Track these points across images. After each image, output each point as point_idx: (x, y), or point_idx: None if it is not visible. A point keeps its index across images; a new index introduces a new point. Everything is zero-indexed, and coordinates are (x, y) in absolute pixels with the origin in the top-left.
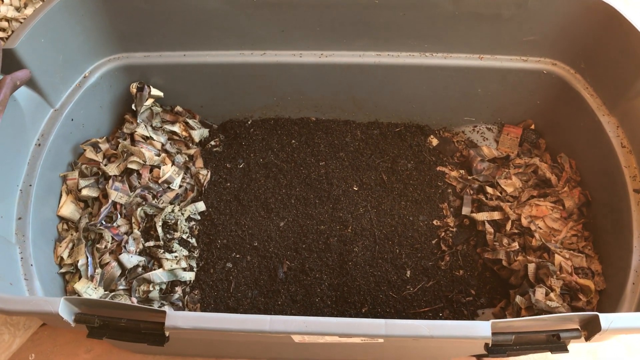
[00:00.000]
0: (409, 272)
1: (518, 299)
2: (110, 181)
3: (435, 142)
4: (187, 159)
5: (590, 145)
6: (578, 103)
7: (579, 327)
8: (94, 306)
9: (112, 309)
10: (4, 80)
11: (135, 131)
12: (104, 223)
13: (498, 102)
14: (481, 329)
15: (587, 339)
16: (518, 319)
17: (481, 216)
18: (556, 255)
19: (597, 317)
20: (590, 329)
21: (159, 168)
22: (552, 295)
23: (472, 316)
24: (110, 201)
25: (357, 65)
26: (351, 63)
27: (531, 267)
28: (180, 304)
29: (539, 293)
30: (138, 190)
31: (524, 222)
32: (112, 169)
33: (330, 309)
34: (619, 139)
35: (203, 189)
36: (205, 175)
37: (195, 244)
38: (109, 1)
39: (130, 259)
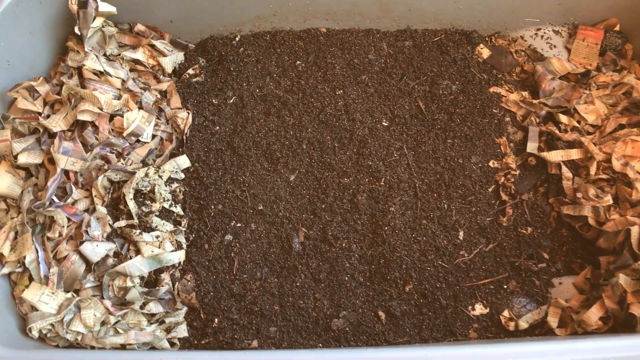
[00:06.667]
0: (461, 234)
1: (622, 279)
2: (57, 140)
3: (486, 53)
4: (158, 97)
5: None
6: None
7: None
8: None
9: None
10: None
11: (84, 64)
12: (54, 200)
13: None
14: None
15: None
16: None
17: (554, 156)
18: None
19: None
20: None
21: (122, 115)
22: None
23: (546, 287)
24: (59, 170)
25: None
26: None
27: (635, 231)
28: (170, 296)
29: None
30: (96, 150)
31: (616, 164)
32: (57, 123)
33: (365, 289)
34: None
35: (184, 137)
36: (185, 118)
37: (182, 213)
38: None
39: (96, 249)
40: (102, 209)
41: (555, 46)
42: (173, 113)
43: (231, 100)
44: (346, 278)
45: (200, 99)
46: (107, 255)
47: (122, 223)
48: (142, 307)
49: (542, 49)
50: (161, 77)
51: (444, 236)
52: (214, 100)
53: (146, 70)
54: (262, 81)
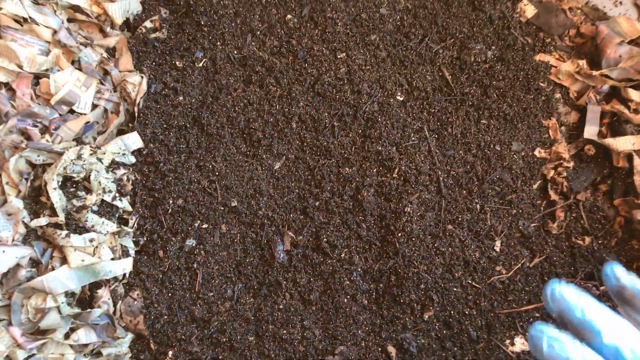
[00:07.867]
0: (498, 244)
1: None
2: None
3: (530, 10)
4: (104, 55)
5: None
6: None
7: None
8: None
9: None
10: None
11: (1, 8)
12: None
13: None
14: None
15: None
16: None
17: (622, 143)
18: None
19: None
20: None
21: (49, 77)
22: None
23: None
24: None
25: None
26: None
27: None
28: (108, 321)
29: None
30: (12, 122)
31: None
32: None
33: (371, 315)
34: None
35: (137, 109)
36: (138, 84)
37: (130, 209)
38: None
39: (3, 257)
40: (15, 202)
41: (621, 2)
42: (122, 77)
43: (201, 64)
44: (345, 300)
45: (160, 61)
46: (18, 265)
47: (42, 221)
48: (67, 336)
49: (605, 6)
50: (109, 30)
51: (476, 246)
52: (177, 63)
53: (89, 20)
54: (242, 40)
